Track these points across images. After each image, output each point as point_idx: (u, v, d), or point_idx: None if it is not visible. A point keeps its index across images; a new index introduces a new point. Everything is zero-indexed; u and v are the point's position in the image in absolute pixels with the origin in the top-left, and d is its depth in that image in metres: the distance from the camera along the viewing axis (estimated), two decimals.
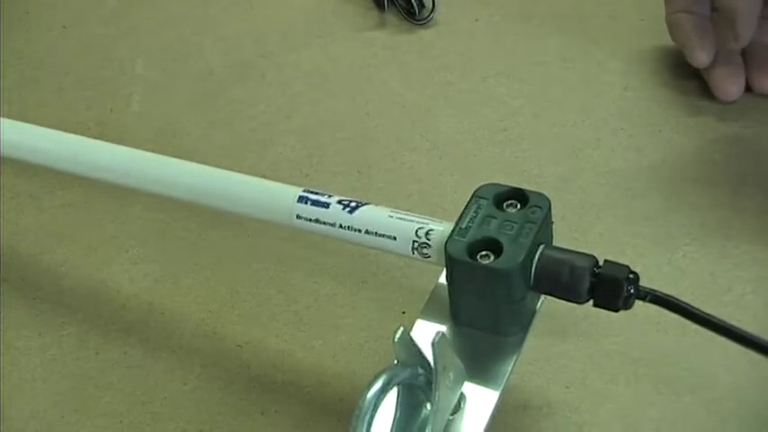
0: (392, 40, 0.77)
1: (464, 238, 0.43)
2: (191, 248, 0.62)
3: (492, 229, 0.43)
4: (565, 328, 0.53)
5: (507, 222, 0.43)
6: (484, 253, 0.42)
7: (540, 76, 0.73)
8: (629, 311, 0.53)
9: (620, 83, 0.71)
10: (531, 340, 0.48)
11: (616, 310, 0.43)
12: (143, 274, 0.60)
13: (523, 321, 0.44)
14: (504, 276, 0.41)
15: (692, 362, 0.50)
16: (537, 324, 0.51)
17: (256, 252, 0.61)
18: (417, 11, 0.78)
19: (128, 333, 0.57)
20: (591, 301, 0.43)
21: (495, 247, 0.42)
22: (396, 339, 0.39)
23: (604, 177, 0.63)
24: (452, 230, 0.43)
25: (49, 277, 0.61)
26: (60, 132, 0.57)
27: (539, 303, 0.46)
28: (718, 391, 0.49)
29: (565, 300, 0.43)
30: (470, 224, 0.43)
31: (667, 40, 0.70)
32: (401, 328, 0.39)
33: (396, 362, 0.40)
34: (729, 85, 0.65)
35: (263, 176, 0.52)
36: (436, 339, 0.38)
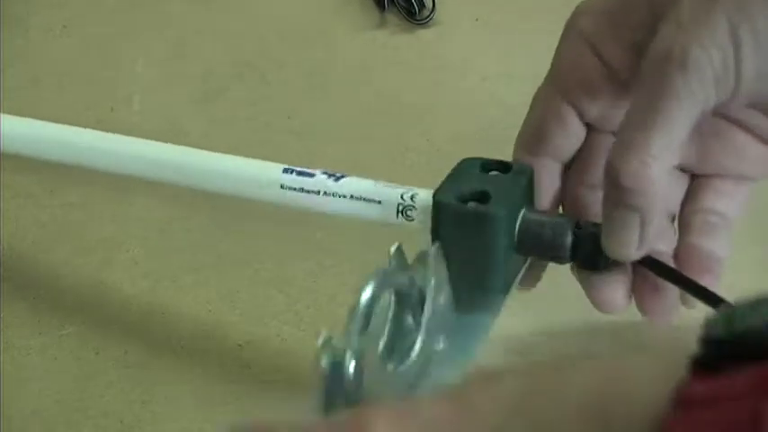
0: (392, 40, 0.77)
1: (452, 189, 0.43)
2: (191, 248, 0.62)
3: (480, 183, 0.43)
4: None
5: (493, 180, 0.44)
6: (472, 202, 0.42)
7: (541, 75, 0.72)
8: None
9: None
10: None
11: (598, 269, 0.43)
12: (143, 274, 0.60)
13: (507, 279, 0.44)
14: (492, 221, 0.42)
15: None
16: (537, 324, 0.51)
17: (256, 252, 0.61)
18: (417, 11, 0.78)
19: (128, 333, 0.57)
20: (573, 262, 0.43)
21: (482, 197, 0.42)
22: (391, 252, 0.38)
23: None
24: (440, 185, 0.44)
25: (49, 277, 0.61)
26: (41, 121, 0.57)
27: (523, 267, 0.45)
28: None
29: (549, 260, 0.44)
30: (457, 181, 0.44)
31: None
32: (397, 243, 0.39)
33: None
34: (614, 292, 0.43)
35: None
36: (433, 249, 0.39)
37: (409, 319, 0.40)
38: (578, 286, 0.44)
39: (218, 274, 0.60)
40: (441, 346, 0.40)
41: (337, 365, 0.33)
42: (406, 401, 0.25)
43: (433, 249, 0.39)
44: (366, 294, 0.35)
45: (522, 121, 0.69)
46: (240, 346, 0.55)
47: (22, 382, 0.54)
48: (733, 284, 0.55)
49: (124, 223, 0.64)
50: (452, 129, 0.68)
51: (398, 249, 0.39)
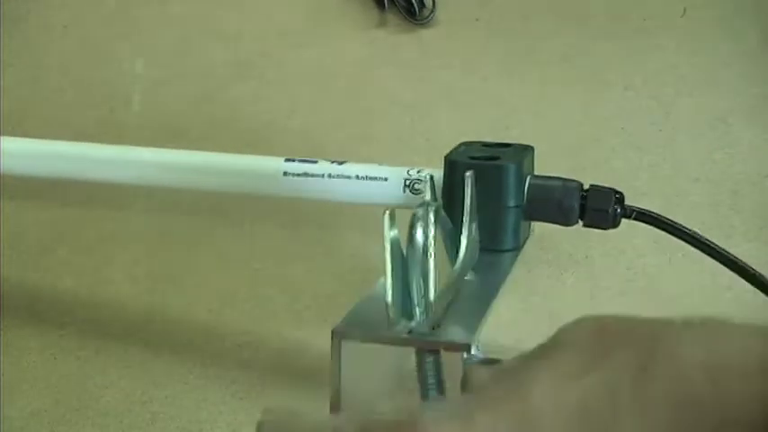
0: (392, 40, 0.77)
1: (464, 153, 0.44)
2: (191, 248, 0.62)
3: (488, 151, 0.45)
4: None
5: (499, 150, 0.45)
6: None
7: (541, 75, 0.72)
8: (629, 311, 0.53)
9: (621, 82, 0.70)
10: (530, 341, 0.48)
11: (605, 228, 0.43)
12: (143, 274, 0.60)
13: (517, 237, 0.44)
14: (503, 173, 0.43)
15: None
16: (536, 325, 0.51)
17: (256, 252, 0.60)
18: (417, 10, 0.78)
19: (128, 333, 0.57)
20: (580, 223, 0.44)
21: (493, 159, 0.44)
22: (427, 179, 0.40)
23: (604, 176, 0.63)
24: (449, 152, 0.45)
25: (49, 277, 0.61)
26: (38, 140, 0.56)
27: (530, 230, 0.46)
28: None
29: (557, 223, 0.44)
30: (466, 149, 0.45)
31: (667, 39, 0.70)
32: (428, 174, 0.41)
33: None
34: None
35: None
36: (468, 175, 0.40)
37: (446, 238, 0.40)
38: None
39: (218, 274, 0.59)
40: (469, 277, 0.41)
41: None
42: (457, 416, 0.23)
43: (468, 175, 0.40)
44: (420, 219, 0.35)
45: (521, 122, 0.69)
46: (240, 345, 0.55)
47: (23, 382, 0.54)
48: (733, 281, 0.55)
49: (124, 223, 0.64)
50: (452, 128, 0.68)
51: (431, 180, 0.40)
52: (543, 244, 0.53)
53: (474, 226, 0.41)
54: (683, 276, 0.55)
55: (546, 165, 0.64)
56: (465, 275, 0.40)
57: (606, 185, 0.44)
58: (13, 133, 0.69)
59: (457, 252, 0.40)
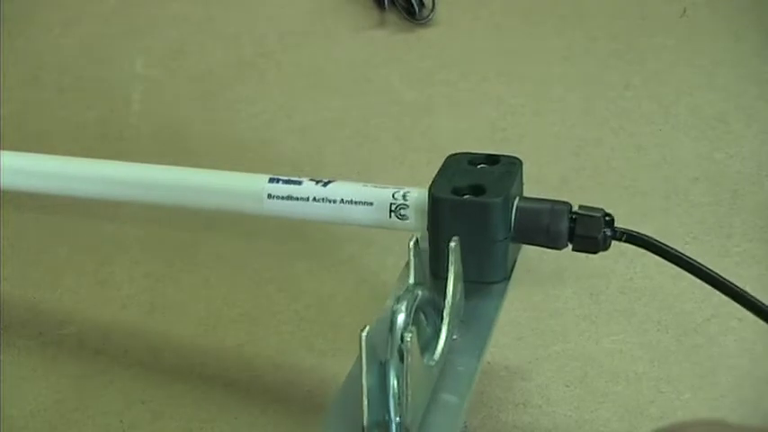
0: (392, 40, 0.77)
1: (446, 184, 0.43)
2: (191, 248, 0.62)
3: (472, 177, 0.43)
4: (565, 327, 0.53)
5: (485, 173, 0.44)
6: (467, 194, 0.43)
7: (541, 75, 0.73)
8: (629, 310, 0.53)
9: (621, 82, 0.71)
10: (530, 339, 0.48)
11: (595, 252, 0.43)
12: (143, 274, 0.60)
13: (506, 267, 0.44)
14: (488, 210, 0.42)
15: (692, 360, 0.50)
16: (537, 323, 0.51)
17: (256, 251, 0.60)
18: (417, 10, 0.78)
19: (128, 332, 0.57)
20: (570, 246, 0.43)
21: (478, 190, 0.43)
22: (411, 246, 0.39)
23: (605, 176, 0.63)
24: (433, 181, 0.44)
25: (49, 277, 0.61)
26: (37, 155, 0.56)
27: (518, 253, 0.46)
28: (718, 390, 0.49)
29: (545, 246, 0.44)
30: (450, 175, 0.44)
31: (667, 38, 0.70)
32: (414, 238, 0.39)
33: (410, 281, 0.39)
34: None
35: None
36: (453, 244, 0.39)
37: (430, 311, 0.40)
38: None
39: (218, 274, 0.60)
40: (455, 336, 0.41)
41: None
42: None
43: (453, 245, 0.39)
44: (401, 317, 0.35)
45: (521, 122, 0.69)
46: (240, 345, 0.55)
47: (23, 382, 0.54)
48: (734, 279, 0.55)
49: (124, 223, 0.64)
50: (452, 128, 0.68)
51: (416, 244, 0.39)
52: None
53: (458, 290, 0.41)
54: (682, 275, 0.55)
55: (546, 165, 0.64)
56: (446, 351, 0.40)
57: (596, 207, 0.43)
58: (13, 133, 0.70)
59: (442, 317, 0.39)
